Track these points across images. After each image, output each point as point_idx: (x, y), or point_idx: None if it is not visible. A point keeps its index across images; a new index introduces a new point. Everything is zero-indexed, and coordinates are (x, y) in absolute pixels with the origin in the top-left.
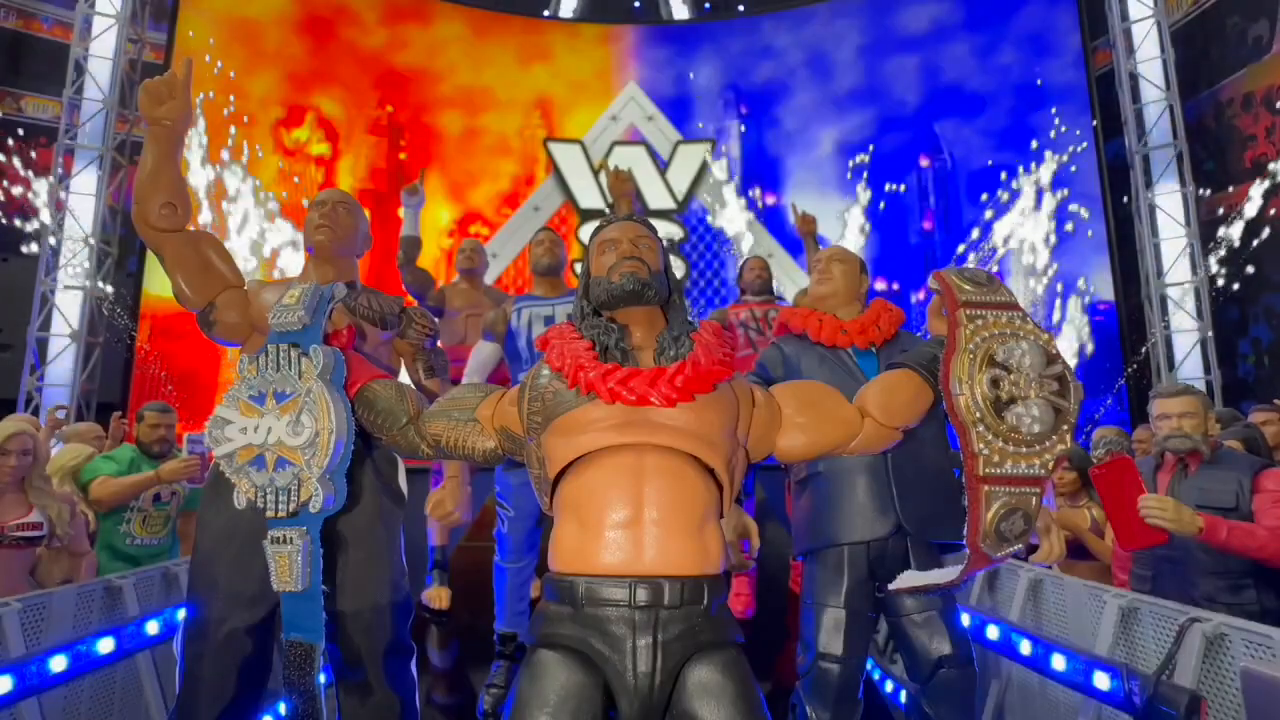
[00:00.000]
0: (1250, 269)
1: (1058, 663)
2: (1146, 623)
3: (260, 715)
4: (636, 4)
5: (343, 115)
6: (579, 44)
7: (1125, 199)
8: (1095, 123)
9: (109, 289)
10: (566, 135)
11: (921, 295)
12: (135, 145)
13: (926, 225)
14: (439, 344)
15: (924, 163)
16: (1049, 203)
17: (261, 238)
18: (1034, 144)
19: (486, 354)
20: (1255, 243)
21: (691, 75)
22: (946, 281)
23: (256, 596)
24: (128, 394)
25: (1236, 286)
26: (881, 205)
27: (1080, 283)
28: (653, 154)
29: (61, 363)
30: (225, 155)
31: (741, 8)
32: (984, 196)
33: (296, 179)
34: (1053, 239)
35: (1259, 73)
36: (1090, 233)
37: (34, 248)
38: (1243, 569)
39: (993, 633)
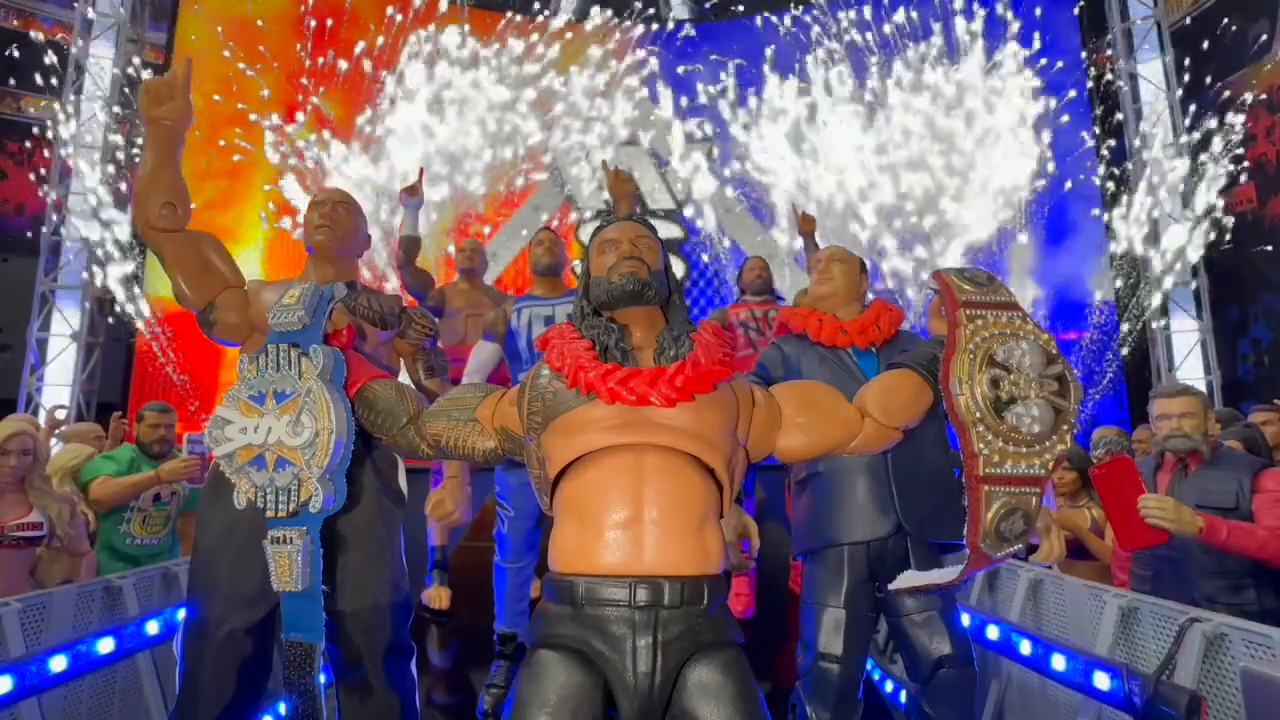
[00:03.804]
0: (1250, 269)
1: (1058, 663)
2: (1146, 623)
3: (260, 715)
4: (637, 4)
5: (343, 115)
6: (579, 43)
7: (1125, 198)
8: (1095, 123)
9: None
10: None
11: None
12: (135, 146)
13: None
14: (439, 344)
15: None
16: (1050, 202)
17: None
18: (1034, 144)
19: (486, 354)
20: (1255, 243)
21: (692, 75)
22: (946, 281)
23: (256, 596)
24: (128, 394)
25: (1236, 286)
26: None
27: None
28: (653, 154)
29: (61, 363)
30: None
31: (741, 7)
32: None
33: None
34: (1053, 238)
35: (1259, 73)
36: (1090, 232)
37: (34, 248)
38: (1243, 569)
39: (993, 633)
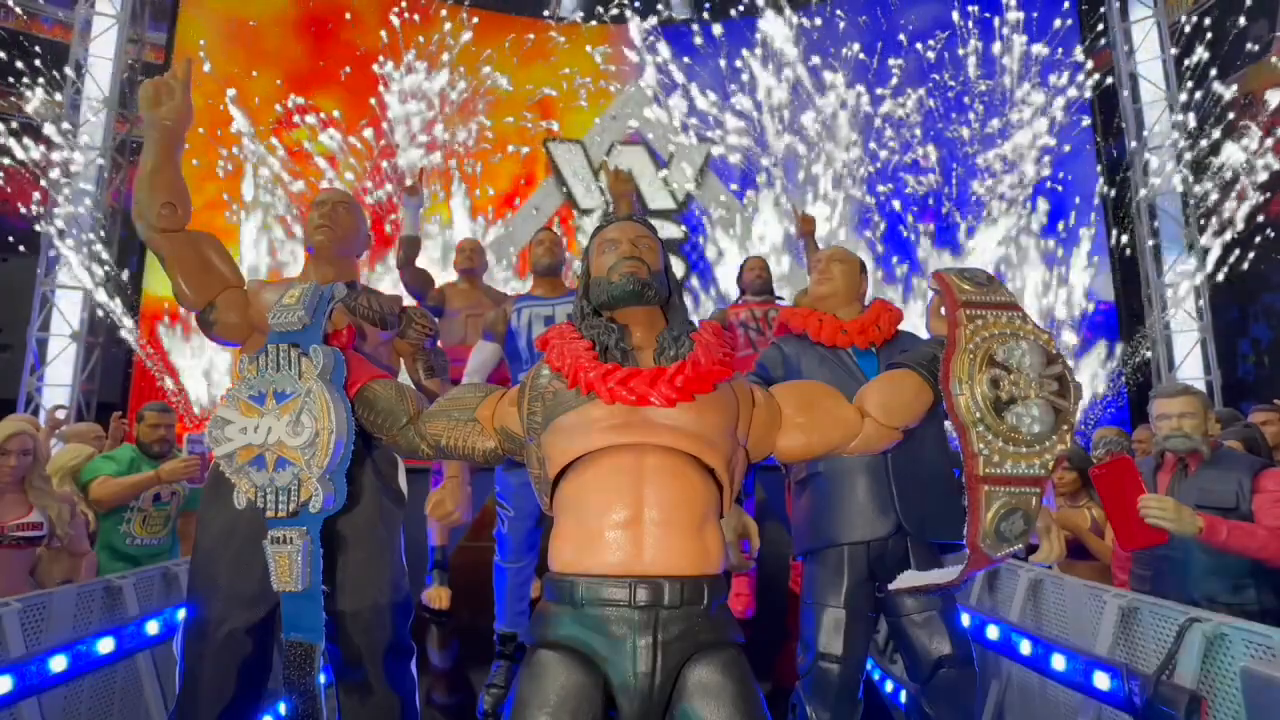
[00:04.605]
0: (1250, 269)
1: (1058, 663)
2: (1146, 623)
3: (260, 715)
4: (637, 3)
5: (343, 115)
6: (579, 44)
7: (1125, 198)
8: (1095, 123)
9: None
10: (567, 135)
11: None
12: (135, 145)
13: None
14: (439, 344)
15: (924, 163)
16: (1049, 203)
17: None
18: (1034, 144)
19: (486, 354)
20: (1256, 242)
21: (692, 75)
22: (946, 281)
23: (256, 596)
24: (128, 394)
25: (1236, 286)
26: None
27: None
28: (653, 154)
29: (61, 363)
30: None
31: (741, 7)
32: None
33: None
34: (1052, 238)
35: (1259, 73)
36: (1090, 232)
37: (34, 248)
38: (1243, 569)
39: (993, 633)
